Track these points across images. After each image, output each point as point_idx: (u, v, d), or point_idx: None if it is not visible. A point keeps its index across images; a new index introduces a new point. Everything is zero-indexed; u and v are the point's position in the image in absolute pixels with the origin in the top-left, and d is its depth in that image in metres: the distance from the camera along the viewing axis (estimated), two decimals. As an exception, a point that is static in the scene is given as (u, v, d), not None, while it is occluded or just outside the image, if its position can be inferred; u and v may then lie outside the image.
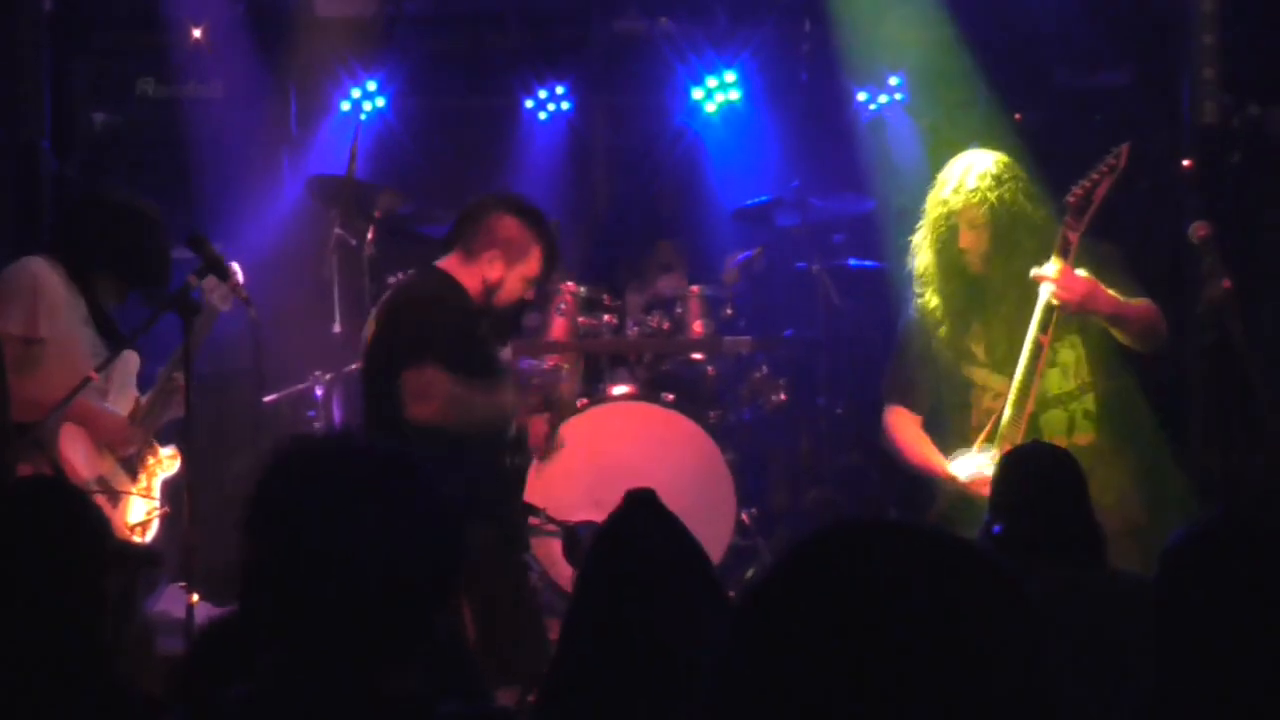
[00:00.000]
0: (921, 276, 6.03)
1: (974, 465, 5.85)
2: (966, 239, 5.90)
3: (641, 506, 3.42)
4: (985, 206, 5.86)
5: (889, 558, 1.67)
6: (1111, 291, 5.82)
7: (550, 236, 6.35)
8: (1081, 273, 5.75)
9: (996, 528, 4.41)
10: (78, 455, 6.06)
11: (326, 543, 2.51)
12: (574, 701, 3.24)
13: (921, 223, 6.06)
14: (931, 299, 6.01)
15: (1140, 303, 5.92)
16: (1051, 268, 5.72)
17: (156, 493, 6.36)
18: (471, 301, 6.17)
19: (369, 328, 6.27)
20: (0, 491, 3.74)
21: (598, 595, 3.31)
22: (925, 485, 6.12)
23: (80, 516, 3.39)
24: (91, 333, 6.21)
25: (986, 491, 5.40)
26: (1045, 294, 5.75)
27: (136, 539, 6.23)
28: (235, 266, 6.10)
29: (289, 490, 2.61)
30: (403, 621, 2.55)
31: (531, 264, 6.27)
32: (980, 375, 6.03)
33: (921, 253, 6.03)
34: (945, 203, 5.92)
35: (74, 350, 6.09)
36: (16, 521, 3.32)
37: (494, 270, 6.19)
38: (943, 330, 6.01)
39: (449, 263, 6.25)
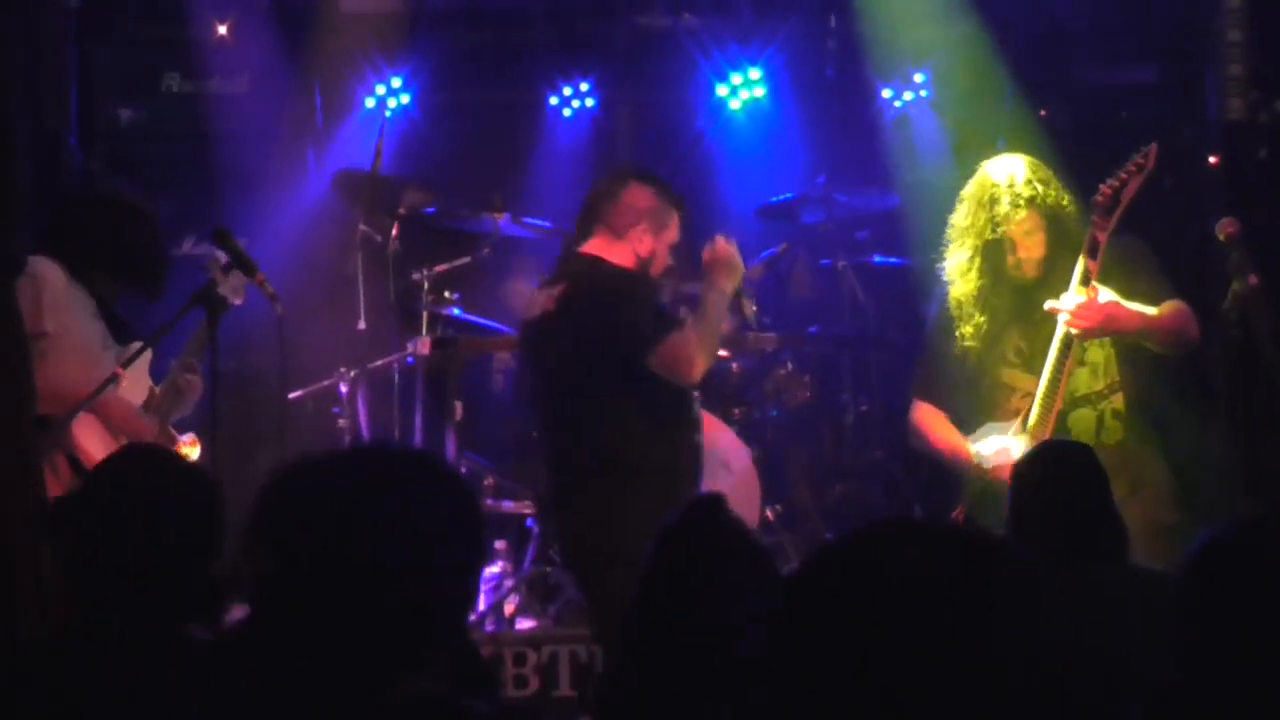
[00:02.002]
0: (969, 298, 5.97)
1: (1000, 448, 5.81)
2: (1025, 247, 5.86)
3: (709, 511, 3.41)
4: (1041, 210, 5.83)
5: (912, 558, 1.71)
6: (1135, 305, 5.79)
7: (681, 199, 6.27)
8: (1104, 294, 5.71)
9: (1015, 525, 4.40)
10: (94, 444, 6.08)
11: (346, 546, 2.51)
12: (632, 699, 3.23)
13: (957, 242, 6.01)
14: (979, 317, 5.96)
15: (1168, 308, 5.86)
16: (1069, 300, 5.68)
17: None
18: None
19: (546, 330, 6.12)
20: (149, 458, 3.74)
21: (660, 593, 3.29)
22: (949, 482, 6.10)
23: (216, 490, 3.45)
24: (102, 325, 6.22)
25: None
26: (1062, 324, 5.71)
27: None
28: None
29: (306, 496, 2.60)
30: (426, 623, 2.54)
31: (674, 229, 6.16)
32: (1010, 375, 6.00)
33: (967, 278, 5.97)
34: (997, 220, 5.86)
35: (83, 343, 6.10)
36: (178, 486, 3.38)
37: (644, 244, 6.06)
38: (984, 340, 5.97)
39: (595, 247, 6.10)
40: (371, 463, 2.68)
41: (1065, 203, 5.87)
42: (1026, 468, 4.56)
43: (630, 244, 6.07)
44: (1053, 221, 5.84)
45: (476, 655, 3.42)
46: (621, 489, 5.90)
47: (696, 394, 6.12)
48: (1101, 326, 5.70)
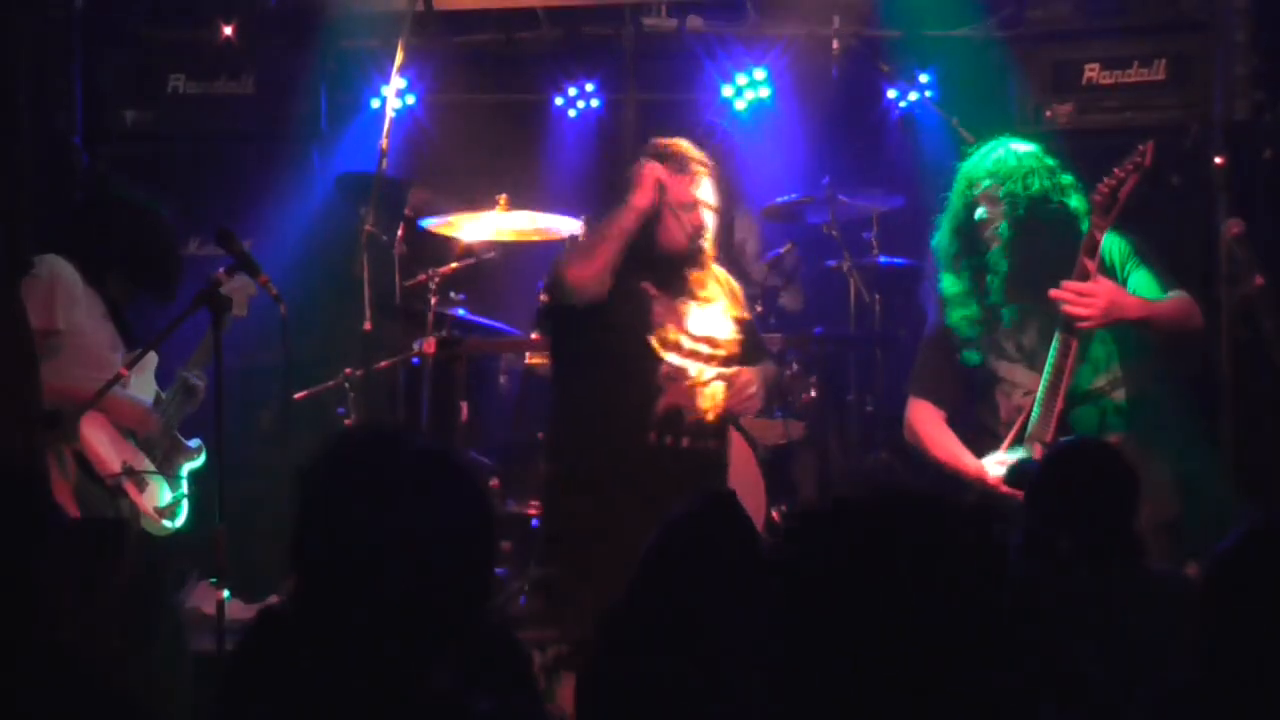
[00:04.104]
0: (964, 291, 5.99)
1: (1003, 461, 5.82)
2: (985, 224, 5.88)
3: (718, 507, 3.40)
4: (1007, 189, 5.84)
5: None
6: (1137, 295, 5.78)
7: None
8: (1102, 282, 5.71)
9: (1025, 531, 4.39)
10: (102, 443, 6.09)
11: (363, 541, 2.50)
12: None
13: (945, 229, 6.05)
14: (974, 307, 5.97)
15: (1172, 299, 5.86)
16: (1070, 289, 5.68)
17: (183, 481, 6.39)
18: None
19: None
20: None
21: (660, 585, 3.28)
22: (952, 481, 6.09)
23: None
24: (112, 327, 6.25)
25: (1014, 490, 5.38)
26: (1063, 311, 5.70)
27: (166, 524, 6.26)
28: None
29: (327, 487, 2.60)
30: (438, 621, 2.54)
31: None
32: (1009, 371, 5.99)
33: (958, 268, 6.02)
34: (970, 181, 5.91)
35: (92, 343, 6.14)
36: None
37: None
38: (982, 334, 5.97)
39: None
40: (385, 459, 2.67)
41: (1042, 192, 5.86)
42: (1057, 465, 4.54)
43: None
44: (1015, 205, 5.84)
45: (514, 653, 3.39)
46: (557, 480, 6.26)
47: (667, 397, 6.17)
48: (1105, 313, 5.68)
